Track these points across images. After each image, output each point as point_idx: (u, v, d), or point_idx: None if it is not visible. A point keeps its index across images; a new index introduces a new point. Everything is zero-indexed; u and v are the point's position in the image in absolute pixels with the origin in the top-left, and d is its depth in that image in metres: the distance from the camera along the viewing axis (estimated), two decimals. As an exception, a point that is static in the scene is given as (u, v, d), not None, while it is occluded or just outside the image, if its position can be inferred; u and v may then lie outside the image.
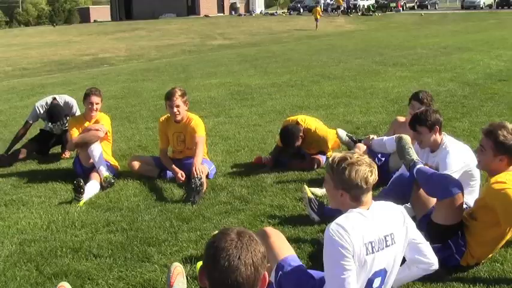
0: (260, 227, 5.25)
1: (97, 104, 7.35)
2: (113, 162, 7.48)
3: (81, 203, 6.30)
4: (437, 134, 5.19)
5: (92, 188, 6.64)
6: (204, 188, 6.35)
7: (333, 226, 3.22)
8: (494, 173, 4.17)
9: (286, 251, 3.74)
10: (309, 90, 13.65)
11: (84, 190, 6.35)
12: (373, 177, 3.31)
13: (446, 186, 4.24)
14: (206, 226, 5.42)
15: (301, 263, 3.73)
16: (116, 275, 4.53)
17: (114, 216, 5.86)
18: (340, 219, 3.25)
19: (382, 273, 3.38)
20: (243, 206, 5.96)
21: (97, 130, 7.20)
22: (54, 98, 8.42)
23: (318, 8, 51.15)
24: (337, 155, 3.41)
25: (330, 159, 3.44)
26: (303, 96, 12.79)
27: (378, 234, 3.29)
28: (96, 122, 7.38)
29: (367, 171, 3.29)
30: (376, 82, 14.40)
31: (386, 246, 3.33)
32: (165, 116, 7.24)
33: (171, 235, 5.28)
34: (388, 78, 14.97)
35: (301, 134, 7.11)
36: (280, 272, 3.57)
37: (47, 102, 8.37)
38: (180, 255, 4.80)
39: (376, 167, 3.38)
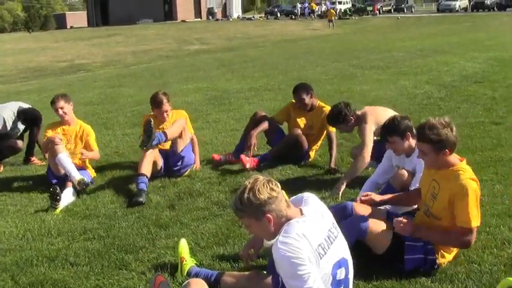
0: (238, 232, 5.24)
1: (61, 108, 7.28)
2: (90, 169, 7.43)
3: (58, 210, 6.24)
4: (410, 139, 5.22)
5: (68, 195, 6.57)
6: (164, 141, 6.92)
7: (280, 245, 3.13)
8: (443, 167, 4.23)
9: None
10: (286, 94, 13.58)
11: (60, 197, 6.29)
12: (274, 183, 3.29)
13: (355, 229, 4.20)
14: (184, 232, 5.38)
15: None
16: (93, 283, 4.48)
17: (91, 224, 5.81)
18: (283, 238, 3.16)
19: (343, 263, 3.38)
20: (220, 211, 5.91)
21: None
22: None
23: (332, 11, 53.76)
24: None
25: (230, 204, 3.40)
26: (280, 100, 12.78)
27: (323, 233, 3.30)
28: (85, 134, 7.39)
29: (265, 182, 3.27)
30: (353, 85, 14.47)
31: (335, 238, 3.35)
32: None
33: (148, 242, 5.24)
34: (365, 82, 15.06)
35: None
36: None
37: None
38: (158, 262, 4.76)
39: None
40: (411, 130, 5.23)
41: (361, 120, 6.38)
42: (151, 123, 6.77)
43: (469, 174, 4.18)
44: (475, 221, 4.09)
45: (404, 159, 5.34)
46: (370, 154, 6.23)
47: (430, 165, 4.36)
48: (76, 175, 6.80)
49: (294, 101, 7.75)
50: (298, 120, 7.66)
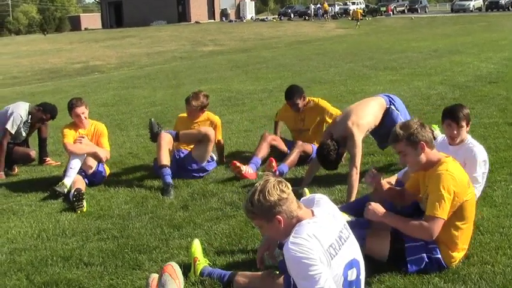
0: (251, 232, 5.25)
1: (83, 113, 7.38)
2: (106, 167, 7.56)
3: (85, 208, 6.34)
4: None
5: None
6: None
7: (291, 245, 3.14)
8: (429, 166, 4.23)
9: None
10: (299, 95, 13.63)
11: (83, 197, 6.41)
12: (284, 184, 3.30)
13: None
14: (197, 233, 5.40)
15: None
16: (107, 283, 4.51)
17: (105, 224, 5.85)
18: (294, 238, 3.17)
19: (354, 263, 3.38)
20: (234, 212, 5.93)
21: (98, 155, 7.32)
22: None
23: (359, 10, 56.32)
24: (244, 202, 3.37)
25: (243, 206, 3.39)
26: (294, 101, 12.78)
27: (334, 234, 3.31)
28: (98, 133, 7.53)
29: (276, 183, 3.27)
30: (367, 86, 14.44)
31: (346, 239, 3.36)
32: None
33: (162, 242, 5.26)
34: (378, 82, 15.02)
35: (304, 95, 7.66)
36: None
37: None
38: (171, 262, 4.78)
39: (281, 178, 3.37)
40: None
41: (348, 138, 6.12)
42: (152, 119, 7.29)
43: (448, 167, 4.15)
44: (441, 212, 4.05)
45: (448, 147, 5.35)
46: (360, 162, 6.07)
47: (413, 165, 4.34)
48: (67, 181, 6.93)
49: (287, 104, 7.78)
50: (295, 118, 7.79)
